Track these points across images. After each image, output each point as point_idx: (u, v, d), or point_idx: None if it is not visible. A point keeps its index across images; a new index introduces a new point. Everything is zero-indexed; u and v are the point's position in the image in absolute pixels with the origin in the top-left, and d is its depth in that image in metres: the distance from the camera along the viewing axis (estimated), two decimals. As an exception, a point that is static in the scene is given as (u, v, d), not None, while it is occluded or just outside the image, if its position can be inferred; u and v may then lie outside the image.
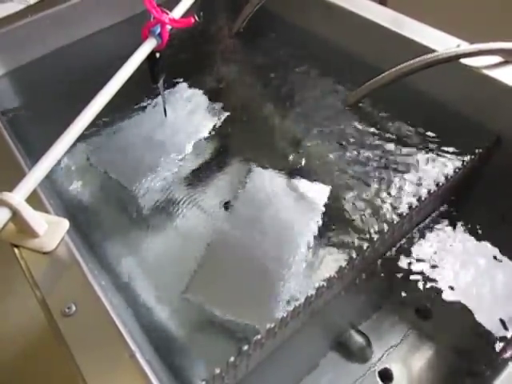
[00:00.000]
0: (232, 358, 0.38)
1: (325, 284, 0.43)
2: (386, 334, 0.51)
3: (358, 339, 0.51)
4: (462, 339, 0.50)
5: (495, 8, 0.88)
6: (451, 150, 0.57)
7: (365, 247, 0.46)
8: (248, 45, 0.77)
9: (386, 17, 0.64)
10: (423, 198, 0.50)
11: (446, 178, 0.51)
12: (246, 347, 0.39)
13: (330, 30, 0.69)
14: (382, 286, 0.54)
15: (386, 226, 0.47)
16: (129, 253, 0.54)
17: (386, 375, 0.49)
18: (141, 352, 0.35)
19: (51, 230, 0.43)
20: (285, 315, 0.41)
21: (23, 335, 0.75)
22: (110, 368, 0.35)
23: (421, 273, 0.53)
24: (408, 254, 0.54)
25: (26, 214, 0.41)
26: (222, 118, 0.64)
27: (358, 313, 0.53)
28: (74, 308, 0.38)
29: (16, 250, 0.43)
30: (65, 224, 0.44)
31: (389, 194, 0.56)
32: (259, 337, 0.40)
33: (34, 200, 0.43)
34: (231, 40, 0.74)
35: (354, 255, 0.45)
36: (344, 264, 0.44)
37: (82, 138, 0.47)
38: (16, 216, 0.41)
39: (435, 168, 0.57)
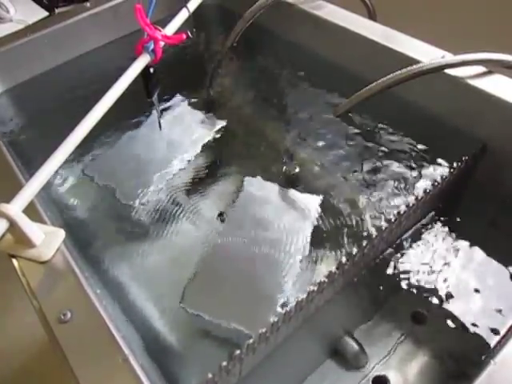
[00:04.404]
0: (224, 363, 0.39)
1: (315, 288, 0.44)
2: (380, 340, 0.51)
3: (353, 346, 0.51)
4: (456, 345, 0.50)
5: (479, 22, 0.91)
6: (438, 157, 0.58)
7: (354, 252, 0.46)
8: (241, 59, 0.78)
9: (374, 30, 0.65)
10: (411, 204, 0.50)
11: (434, 184, 0.52)
12: (237, 352, 0.39)
13: (320, 44, 0.71)
14: (375, 292, 0.54)
15: (374, 232, 0.48)
16: (123, 262, 0.54)
17: (380, 382, 0.49)
18: (134, 356, 0.36)
19: (48, 239, 0.44)
20: (276, 320, 0.42)
21: (20, 343, 0.75)
22: (104, 372, 0.36)
23: (412, 278, 0.54)
24: (398, 260, 0.55)
25: (23, 224, 0.42)
26: (216, 130, 0.65)
27: (352, 319, 0.53)
28: (69, 315, 0.39)
29: (13, 260, 0.44)
30: (61, 234, 0.45)
31: (377, 200, 0.57)
32: (251, 341, 0.40)
33: (30, 211, 0.44)
34: (224, 55, 0.76)
35: (344, 260, 0.46)
36: (334, 269, 0.45)
37: (77, 151, 0.48)
38: (13, 226, 0.42)
39: (423, 175, 0.58)
